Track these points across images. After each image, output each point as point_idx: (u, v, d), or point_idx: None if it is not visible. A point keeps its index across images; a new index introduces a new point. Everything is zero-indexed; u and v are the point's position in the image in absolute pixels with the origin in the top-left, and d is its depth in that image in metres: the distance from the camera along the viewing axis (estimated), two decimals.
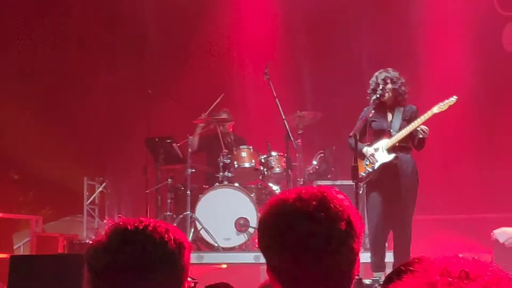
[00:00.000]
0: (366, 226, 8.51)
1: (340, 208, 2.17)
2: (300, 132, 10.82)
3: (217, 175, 10.78)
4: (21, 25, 13.60)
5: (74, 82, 13.68)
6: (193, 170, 10.84)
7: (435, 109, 8.14)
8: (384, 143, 8.37)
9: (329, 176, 11.08)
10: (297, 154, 10.73)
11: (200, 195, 10.53)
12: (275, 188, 10.76)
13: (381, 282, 7.49)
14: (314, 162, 11.23)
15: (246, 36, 13.89)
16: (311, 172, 11.14)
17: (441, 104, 8.14)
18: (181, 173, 11.23)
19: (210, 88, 12.71)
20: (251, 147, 10.91)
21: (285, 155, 10.40)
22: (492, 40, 13.15)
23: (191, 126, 11.55)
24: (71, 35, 13.80)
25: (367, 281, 7.99)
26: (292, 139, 10.08)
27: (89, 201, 12.23)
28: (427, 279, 1.44)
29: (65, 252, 10.48)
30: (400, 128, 8.29)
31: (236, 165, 10.70)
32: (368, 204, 8.59)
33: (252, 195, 10.54)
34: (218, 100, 11.56)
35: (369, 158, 8.39)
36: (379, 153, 8.38)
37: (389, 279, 2.21)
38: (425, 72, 12.62)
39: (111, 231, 2.46)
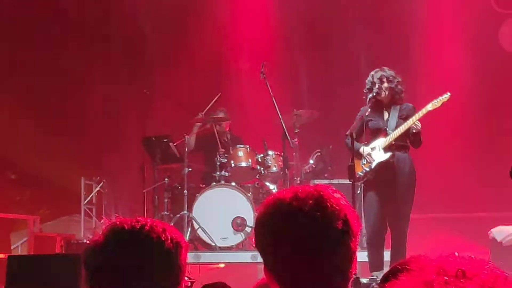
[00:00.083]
0: (364, 225, 8.52)
1: (337, 207, 2.17)
2: (296, 131, 10.83)
3: (214, 175, 10.78)
4: (18, 25, 13.59)
5: (71, 82, 13.67)
6: (190, 170, 10.84)
7: (429, 107, 8.17)
8: (380, 142, 8.38)
9: (326, 175, 11.08)
10: (293, 153, 10.73)
11: (197, 195, 10.53)
12: (272, 187, 10.76)
13: (379, 281, 7.50)
14: (311, 161, 11.23)
15: (243, 35, 13.89)
16: (308, 171, 11.14)
17: (435, 101, 8.17)
18: (178, 172, 11.23)
19: (206, 87, 12.71)
20: (247, 146, 10.91)
21: (282, 154, 10.42)
22: (489, 38, 13.15)
23: (188, 126, 11.55)
24: (68, 35, 13.78)
25: (364, 280, 8.00)
26: (288, 138, 10.10)
27: (86, 200, 12.22)
28: (423, 278, 1.45)
29: (63, 252, 10.48)
30: (397, 127, 8.31)
31: (233, 165, 10.70)
32: (365, 203, 8.60)
33: (249, 195, 10.54)
34: (215, 99, 11.57)
35: (366, 158, 8.40)
36: (376, 152, 8.39)
37: (386, 278, 2.22)
38: (422, 71, 12.63)
39: (108, 231, 2.46)
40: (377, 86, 8.36)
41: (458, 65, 12.78)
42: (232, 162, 10.71)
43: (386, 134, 8.36)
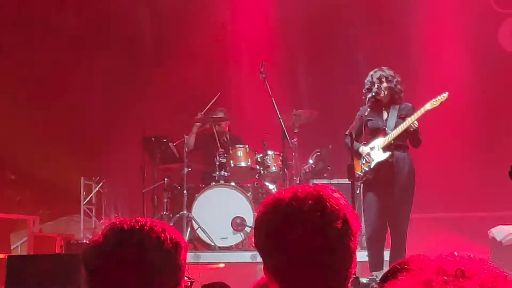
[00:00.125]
0: (363, 225, 8.52)
1: (337, 207, 2.17)
2: (296, 131, 10.83)
3: (214, 174, 10.79)
4: (17, 25, 13.58)
5: (70, 81, 13.66)
6: (190, 169, 10.84)
7: (428, 106, 8.17)
8: (379, 141, 8.39)
9: (325, 175, 11.09)
10: (293, 153, 10.73)
11: (196, 195, 10.54)
12: (271, 187, 10.76)
13: (378, 281, 7.50)
14: (311, 161, 11.24)
15: (242, 35, 13.89)
16: (308, 171, 11.14)
17: (433, 100, 8.17)
18: (177, 172, 11.24)
19: (206, 87, 12.71)
20: (247, 146, 10.91)
21: (281, 154, 10.43)
22: (489, 38, 13.15)
23: (188, 126, 11.55)
24: (66, 35, 13.77)
25: (364, 280, 8.00)
26: (288, 138, 10.11)
27: (86, 201, 12.22)
28: (423, 277, 1.45)
29: (62, 252, 10.47)
30: (395, 126, 8.31)
31: (232, 164, 10.70)
32: (365, 203, 8.61)
33: (248, 194, 10.55)
34: (214, 99, 11.57)
35: (365, 157, 8.40)
36: (375, 151, 8.39)
37: (385, 277, 2.21)
38: (422, 71, 12.63)
39: (107, 230, 2.46)
40: (376, 86, 8.37)
41: (457, 64, 12.79)
42: (231, 162, 10.71)
43: (385, 134, 8.36)
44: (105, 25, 13.86)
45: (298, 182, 10.65)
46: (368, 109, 8.37)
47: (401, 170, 8.33)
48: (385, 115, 8.49)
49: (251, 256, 9.81)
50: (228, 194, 10.57)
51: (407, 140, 8.42)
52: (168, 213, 10.93)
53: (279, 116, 10.09)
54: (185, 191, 10.52)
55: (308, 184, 2.27)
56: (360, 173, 8.41)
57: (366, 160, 8.40)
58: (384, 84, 8.40)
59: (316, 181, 10.61)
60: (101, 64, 13.69)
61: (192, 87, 13.05)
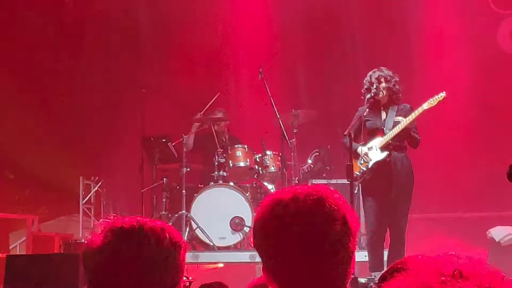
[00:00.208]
0: (362, 225, 8.53)
1: (336, 207, 2.17)
2: (295, 131, 10.83)
3: (212, 174, 10.78)
4: (16, 24, 13.57)
5: (69, 81, 13.65)
6: (188, 169, 10.83)
7: (425, 105, 8.15)
8: (377, 141, 8.39)
9: (324, 175, 11.09)
10: (292, 153, 10.74)
11: (195, 194, 10.53)
12: (270, 187, 10.76)
13: (376, 281, 7.51)
14: (309, 161, 11.24)
15: (242, 35, 13.88)
16: (306, 171, 11.14)
17: (431, 100, 8.16)
18: (176, 172, 11.23)
19: (205, 87, 12.71)
20: (246, 146, 10.91)
21: (280, 154, 10.43)
22: (487, 38, 13.15)
23: (187, 126, 11.55)
24: (65, 34, 13.77)
25: (362, 280, 8.01)
26: (287, 138, 10.12)
27: (85, 200, 12.22)
28: (421, 278, 1.45)
29: (61, 251, 10.46)
30: (393, 127, 8.31)
31: (231, 164, 10.70)
32: (364, 203, 8.61)
33: (247, 194, 10.55)
34: (214, 99, 11.57)
35: (363, 157, 8.41)
36: (373, 151, 8.40)
37: (384, 278, 2.22)
38: (420, 71, 12.62)
39: (107, 230, 2.46)
40: (375, 86, 8.37)
41: (456, 65, 12.78)
42: (230, 162, 10.71)
43: (383, 134, 8.36)
44: (105, 25, 13.84)
45: (297, 182, 10.66)
46: (367, 110, 8.38)
47: (398, 170, 8.33)
48: (383, 115, 8.49)
49: (250, 256, 9.81)
50: (227, 194, 10.56)
51: (405, 141, 8.43)
52: (166, 213, 10.93)
53: (278, 116, 10.10)
54: (184, 191, 10.52)
55: (307, 184, 2.28)
56: (358, 173, 8.41)
57: (364, 160, 8.40)
58: (383, 84, 8.40)
59: (314, 181, 10.62)
60: (100, 64, 13.69)
61: (191, 87, 13.04)
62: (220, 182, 10.65)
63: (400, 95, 8.49)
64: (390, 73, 8.46)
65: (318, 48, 13.67)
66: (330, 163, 11.18)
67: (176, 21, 13.75)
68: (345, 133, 8.23)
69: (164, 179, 11.15)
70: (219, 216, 10.38)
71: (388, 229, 8.45)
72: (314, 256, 2.13)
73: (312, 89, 13.46)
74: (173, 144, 11.22)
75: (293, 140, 10.62)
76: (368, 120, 8.46)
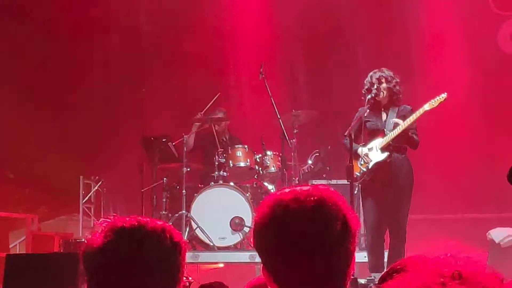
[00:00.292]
0: (362, 226, 8.53)
1: (336, 208, 2.17)
2: (295, 132, 10.83)
3: (213, 174, 10.78)
4: (15, 24, 13.57)
5: (69, 80, 13.64)
6: (189, 169, 10.82)
7: (426, 107, 8.13)
8: (378, 142, 8.38)
9: (324, 176, 11.08)
10: (292, 154, 10.74)
11: (195, 194, 10.52)
12: (270, 187, 10.76)
13: (376, 282, 7.50)
14: (310, 162, 11.23)
15: (242, 35, 13.88)
16: (306, 171, 11.14)
17: (432, 101, 8.14)
18: (176, 172, 11.22)
19: (206, 87, 12.71)
20: (246, 146, 10.90)
21: (280, 154, 10.42)
22: (488, 39, 13.15)
23: (187, 125, 11.55)
24: (64, 34, 13.75)
25: (362, 281, 8.00)
26: (287, 138, 10.10)
27: (85, 200, 12.22)
28: (420, 279, 1.45)
29: (61, 251, 10.46)
30: (394, 128, 8.30)
31: (231, 165, 10.70)
32: (364, 204, 8.61)
33: (247, 194, 10.54)
34: (214, 99, 11.57)
35: (363, 158, 8.40)
36: (373, 152, 8.39)
37: (383, 278, 2.22)
38: (421, 72, 12.63)
39: (107, 230, 2.46)
40: (375, 87, 8.36)
41: (457, 66, 12.78)
42: (230, 162, 10.71)
43: (384, 135, 8.36)
44: (105, 25, 13.84)
45: (297, 182, 10.65)
46: (368, 110, 8.37)
47: (398, 171, 8.32)
48: (384, 116, 8.49)
49: (250, 256, 9.81)
50: (227, 194, 10.56)
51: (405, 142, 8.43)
52: (166, 212, 10.93)
53: (279, 117, 10.09)
54: (184, 191, 10.51)
55: (307, 185, 2.27)
56: (358, 174, 8.41)
57: (364, 160, 8.40)
58: (384, 85, 8.40)
59: (315, 182, 10.61)
60: (100, 64, 13.69)
61: (192, 87, 13.04)
62: (220, 182, 10.65)
63: (401, 96, 8.49)
64: (391, 73, 8.46)
65: (319, 49, 13.67)
66: (330, 163, 11.18)
67: (177, 21, 13.74)
68: (345, 134, 8.23)
69: (164, 178, 11.15)
70: (219, 216, 10.37)
71: (388, 230, 8.44)
72: (314, 256, 2.13)
73: (313, 89, 13.45)
74: (173, 143, 11.22)
75: (293, 140, 10.62)
76: (369, 121, 8.45)
